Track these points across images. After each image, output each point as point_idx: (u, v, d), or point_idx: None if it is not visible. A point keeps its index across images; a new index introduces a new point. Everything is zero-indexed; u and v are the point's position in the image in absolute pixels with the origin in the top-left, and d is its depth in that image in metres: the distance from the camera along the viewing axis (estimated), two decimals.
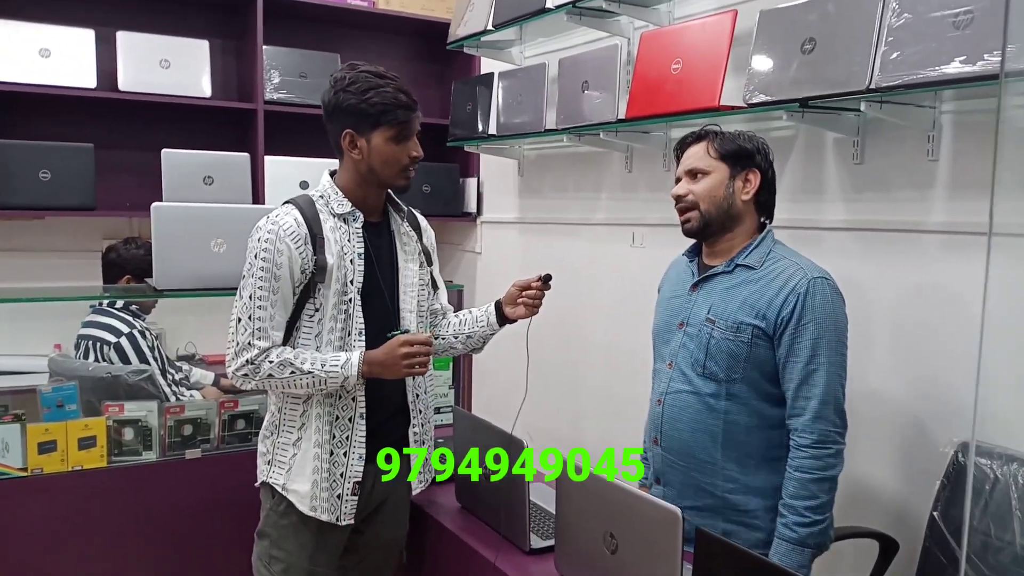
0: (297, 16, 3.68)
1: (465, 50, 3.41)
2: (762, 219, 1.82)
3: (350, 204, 1.81)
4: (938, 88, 1.69)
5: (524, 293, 1.96)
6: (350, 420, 1.80)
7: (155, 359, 2.79)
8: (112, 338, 2.75)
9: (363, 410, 1.81)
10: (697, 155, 1.80)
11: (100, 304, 2.82)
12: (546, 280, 1.95)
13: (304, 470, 1.78)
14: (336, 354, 1.76)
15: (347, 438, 1.80)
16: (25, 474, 2.12)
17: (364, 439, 1.81)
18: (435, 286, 2.02)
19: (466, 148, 3.52)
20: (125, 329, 2.76)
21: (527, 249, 3.49)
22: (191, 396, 2.91)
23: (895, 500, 2.02)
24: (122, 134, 3.31)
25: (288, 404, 1.81)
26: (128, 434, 2.24)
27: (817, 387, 1.63)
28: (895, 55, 1.73)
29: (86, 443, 2.19)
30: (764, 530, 1.71)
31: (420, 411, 1.93)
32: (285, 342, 1.78)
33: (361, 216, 1.82)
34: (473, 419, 1.96)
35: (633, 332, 2.81)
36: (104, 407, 2.23)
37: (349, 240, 1.79)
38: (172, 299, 2.45)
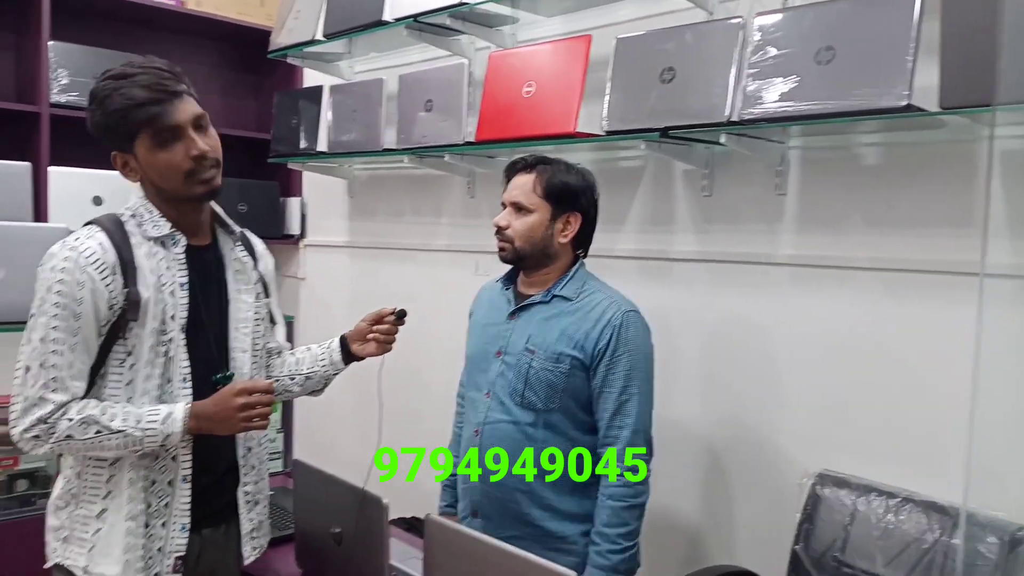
0: (91, 11, 3.25)
1: (289, 60, 3.15)
2: (577, 252, 1.86)
3: (169, 225, 1.53)
4: (798, 123, 1.71)
5: (376, 328, 1.77)
6: (170, 484, 1.52)
7: None
8: None
9: (187, 472, 1.53)
10: (524, 189, 1.81)
11: None
12: (400, 316, 1.79)
13: (111, 549, 1.48)
14: (155, 407, 1.48)
15: (166, 506, 1.52)
16: None
17: (188, 506, 1.53)
18: (273, 320, 1.78)
19: (289, 165, 3.26)
20: None
21: (358, 275, 3.27)
22: None
23: (753, 535, 2.02)
24: None
25: (90, 468, 1.51)
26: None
27: (630, 416, 1.71)
28: (754, 87, 1.73)
29: None
30: (579, 555, 1.75)
31: (253, 467, 1.68)
32: (87, 394, 1.48)
33: (182, 239, 1.55)
34: (318, 474, 1.73)
35: None
36: None
37: (168, 268, 1.52)
38: None
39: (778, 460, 1.97)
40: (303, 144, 3.09)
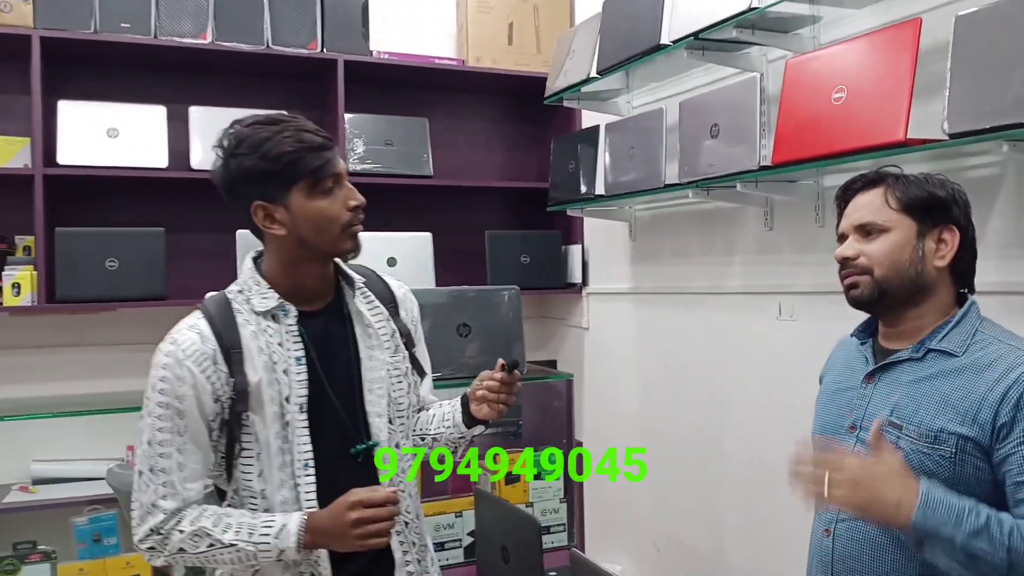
0: (381, 80, 3.41)
1: (564, 103, 3.04)
2: (961, 290, 1.39)
3: (276, 296, 1.40)
4: None
5: (483, 385, 1.49)
6: None
7: None
8: None
9: (324, 570, 1.38)
10: (871, 206, 1.37)
11: None
12: (510, 368, 1.49)
13: None
14: (270, 518, 1.33)
15: None
16: None
17: None
18: (421, 372, 1.57)
19: (568, 212, 3.13)
20: None
21: (643, 323, 3.02)
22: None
23: None
24: (195, 216, 3.05)
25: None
26: (179, 571, 1.88)
27: None
28: None
29: None
30: None
31: (414, 543, 1.47)
32: (226, 491, 1.39)
33: (292, 309, 1.40)
34: (595, 570, 1.48)
35: (787, 424, 2.29)
36: None
37: (281, 344, 1.38)
38: None
39: None
40: (582, 189, 2.94)
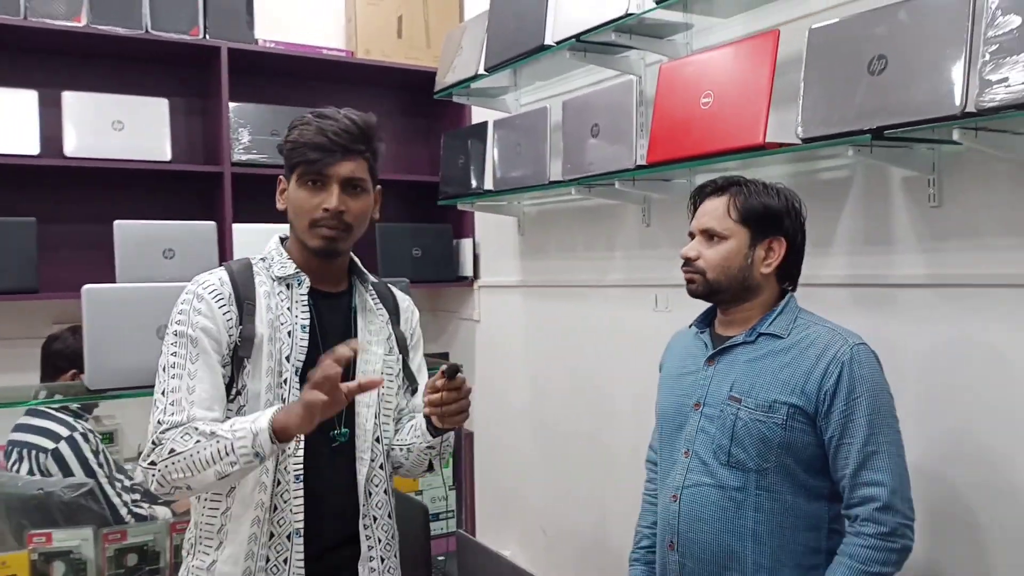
0: (267, 70, 3.36)
1: (454, 99, 3.08)
2: (784, 285, 1.63)
3: (295, 266, 1.49)
4: None
5: (427, 398, 1.46)
6: (288, 538, 1.42)
7: (100, 466, 2.37)
8: (49, 444, 2.33)
9: (299, 525, 1.42)
10: (715, 213, 1.58)
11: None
12: (451, 375, 1.40)
13: None
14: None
15: (285, 561, 1.42)
16: None
17: (302, 563, 1.42)
18: (412, 381, 1.62)
19: (459, 206, 3.18)
20: (64, 432, 2.35)
21: (531, 315, 3.11)
22: (150, 508, 2.48)
23: None
24: (69, 205, 2.94)
25: (205, 516, 1.43)
26: (58, 570, 1.83)
27: (882, 472, 1.43)
28: (994, 68, 1.38)
29: None
30: None
31: (380, 539, 1.52)
32: None
33: (306, 280, 1.48)
34: (480, 549, 1.54)
35: None
36: (28, 537, 1.82)
37: (290, 309, 1.46)
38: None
39: None
40: (472, 184, 2.99)
